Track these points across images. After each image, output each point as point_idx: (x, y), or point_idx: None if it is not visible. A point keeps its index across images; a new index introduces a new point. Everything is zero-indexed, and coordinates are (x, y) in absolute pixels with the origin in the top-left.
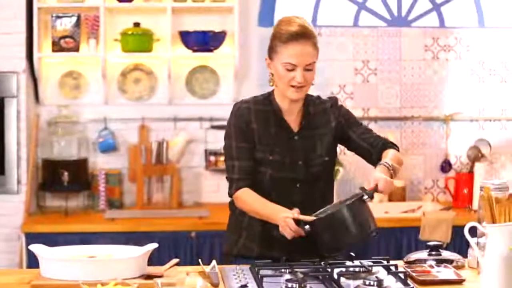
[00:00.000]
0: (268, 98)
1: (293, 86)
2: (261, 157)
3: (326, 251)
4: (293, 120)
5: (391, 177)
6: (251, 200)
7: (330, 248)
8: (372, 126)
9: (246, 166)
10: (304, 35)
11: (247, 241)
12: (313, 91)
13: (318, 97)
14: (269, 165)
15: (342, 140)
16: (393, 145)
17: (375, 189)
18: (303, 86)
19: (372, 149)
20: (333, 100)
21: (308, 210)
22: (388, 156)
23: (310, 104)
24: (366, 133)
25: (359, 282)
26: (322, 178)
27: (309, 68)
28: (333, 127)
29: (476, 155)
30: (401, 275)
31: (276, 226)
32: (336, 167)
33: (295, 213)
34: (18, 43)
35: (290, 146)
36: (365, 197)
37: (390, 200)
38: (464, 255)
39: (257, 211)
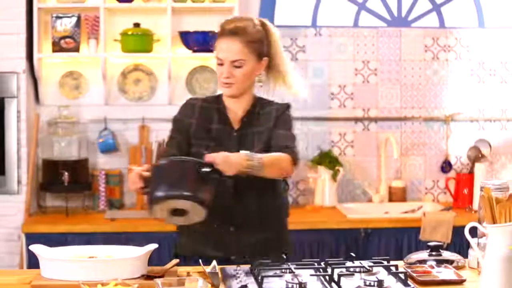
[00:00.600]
0: (219, 97)
1: (221, 81)
2: (196, 152)
3: (148, 201)
4: (236, 118)
5: (250, 167)
6: None
7: (149, 198)
8: (372, 126)
9: (172, 154)
10: (234, 32)
11: (188, 241)
12: (316, 91)
13: (271, 101)
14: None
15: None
16: (290, 154)
17: (212, 164)
18: (232, 83)
19: (272, 149)
20: (284, 105)
21: (242, 205)
22: (269, 154)
23: (258, 106)
24: (281, 138)
25: (359, 282)
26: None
27: (237, 65)
28: (271, 127)
29: (476, 156)
30: (402, 276)
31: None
32: (336, 167)
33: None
34: (18, 44)
35: (228, 142)
36: (202, 167)
37: (390, 200)
38: (465, 255)
39: None
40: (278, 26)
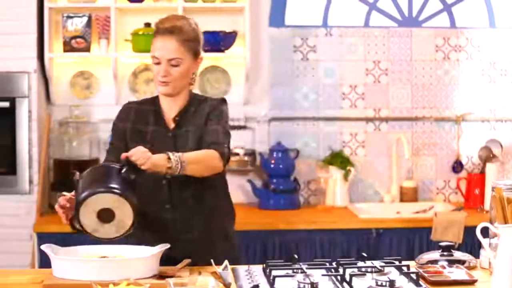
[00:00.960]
0: (155, 98)
1: (158, 80)
2: None
3: (74, 207)
4: (171, 118)
5: (170, 168)
6: None
7: (75, 205)
8: (383, 126)
9: (110, 158)
10: (171, 30)
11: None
12: (327, 91)
13: (207, 98)
14: None
15: None
16: (217, 149)
17: (127, 159)
18: (168, 82)
19: (203, 146)
20: (218, 99)
21: (178, 207)
22: (193, 152)
23: (194, 104)
24: (210, 134)
25: (371, 282)
26: (192, 177)
27: (174, 64)
28: (203, 123)
29: (487, 156)
30: (413, 276)
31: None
32: (348, 167)
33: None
34: (29, 44)
35: (163, 143)
36: (122, 168)
37: (401, 200)
38: (476, 255)
39: None
40: (289, 26)
